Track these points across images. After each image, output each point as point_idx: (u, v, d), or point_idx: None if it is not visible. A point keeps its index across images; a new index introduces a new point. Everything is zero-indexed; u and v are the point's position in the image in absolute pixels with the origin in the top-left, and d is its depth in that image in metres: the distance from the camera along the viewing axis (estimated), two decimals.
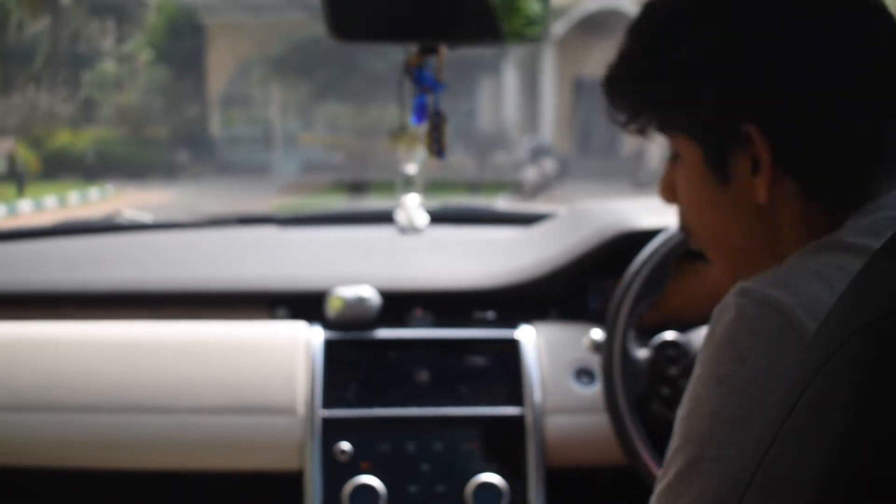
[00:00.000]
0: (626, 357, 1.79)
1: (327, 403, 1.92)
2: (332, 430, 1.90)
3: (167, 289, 2.12)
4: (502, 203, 3.18)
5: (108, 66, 18.95)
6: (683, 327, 1.92)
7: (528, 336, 2.02)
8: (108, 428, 1.89)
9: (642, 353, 1.82)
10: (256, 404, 1.90)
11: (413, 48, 1.64)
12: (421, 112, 1.69)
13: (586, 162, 19.81)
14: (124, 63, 19.16)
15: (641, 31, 1.20)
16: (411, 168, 2.58)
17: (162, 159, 17.91)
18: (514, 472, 1.90)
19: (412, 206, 2.45)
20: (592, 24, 19.45)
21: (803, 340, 0.97)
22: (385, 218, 2.48)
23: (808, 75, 1.09)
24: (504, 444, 1.92)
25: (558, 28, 19.81)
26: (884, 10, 1.14)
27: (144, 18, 19.76)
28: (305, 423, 1.89)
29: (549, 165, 18.10)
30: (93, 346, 1.97)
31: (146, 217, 2.58)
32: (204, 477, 1.91)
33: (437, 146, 1.70)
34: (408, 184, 2.59)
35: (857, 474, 0.67)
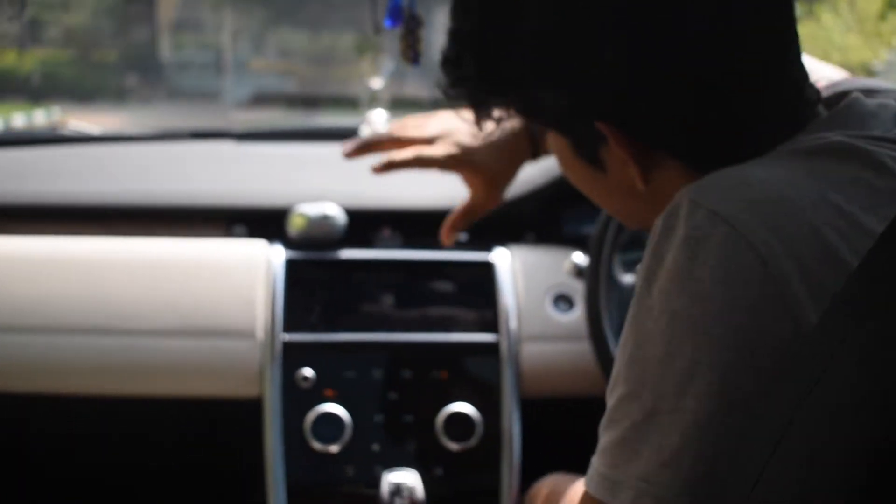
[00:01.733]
0: (612, 282, 1.67)
1: (288, 327, 1.79)
2: (294, 355, 1.77)
3: (116, 202, 1.98)
4: None
5: None
6: None
7: (504, 259, 1.90)
8: (52, 350, 1.75)
9: (628, 279, 1.70)
10: (213, 327, 1.77)
11: None
12: (396, 14, 1.55)
13: None
14: None
15: (465, 26, 1.07)
16: (377, 83, 2.45)
17: (110, 83, 17.51)
18: (487, 402, 1.78)
19: (379, 122, 2.31)
20: None
21: (771, 275, 0.85)
22: (349, 135, 2.34)
23: (658, 52, 0.97)
24: (477, 372, 1.81)
25: None
26: None
27: None
28: (265, 347, 1.77)
29: None
30: (35, 263, 1.83)
31: (93, 129, 2.43)
32: (156, 403, 1.78)
33: (412, 52, 1.57)
34: (373, 99, 2.46)
35: None
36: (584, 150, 1.05)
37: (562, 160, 1.11)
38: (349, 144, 1.74)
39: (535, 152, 1.68)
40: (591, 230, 1.97)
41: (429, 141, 1.69)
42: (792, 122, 1.00)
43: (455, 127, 1.68)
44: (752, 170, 0.93)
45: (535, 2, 1.00)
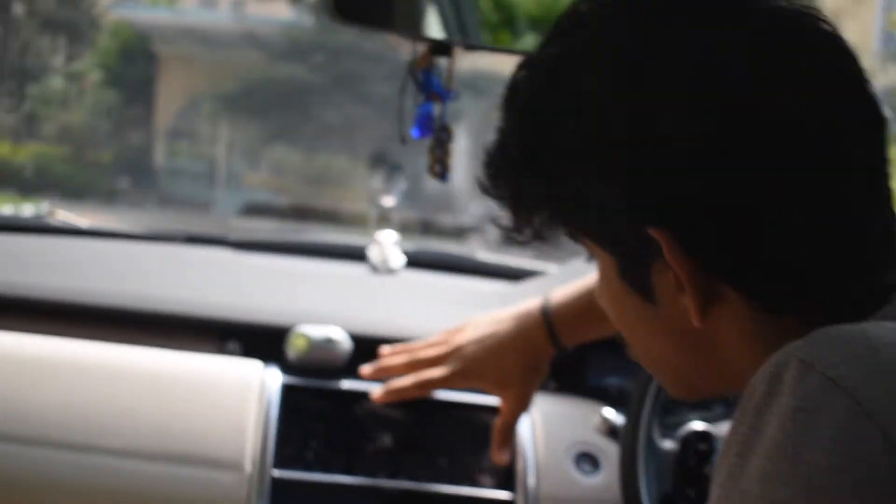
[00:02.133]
0: (651, 447, 1.47)
1: (281, 462, 1.59)
2: (285, 494, 1.57)
3: (99, 303, 1.78)
4: (486, 254, 2.91)
5: (56, 82, 18.51)
6: (709, 415, 1.63)
7: None
8: (11, 462, 1.54)
9: (667, 445, 1.50)
10: (195, 454, 1.56)
11: (421, 46, 1.36)
12: (425, 123, 1.39)
13: None
14: (72, 81, 18.73)
15: (512, 107, 0.92)
16: (388, 200, 2.29)
17: (102, 183, 17.45)
18: None
19: (388, 244, 2.14)
20: None
21: None
22: (355, 254, 2.17)
23: (738, 155, 0.80)
24: None
25: None
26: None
27: (97, 40, 19.34)
28: (253, 483, 1.56)
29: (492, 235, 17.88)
30: (1, 360, 1.62)
31: (81, 222, 2.25)
32: None
33: (440, 167, 1.41)
34: (383, 219, 2.30)
35: None
36: (633, 272, 0.87)
37: (605, 288, 0.94)
38: (367, 369, 1.63)
39: (557, 345, 1.55)
40: (617, 383, 1.80)
41: (436, 360, 1.59)
42: (888, 272, 0.83)
43: (466, 340, 1.57)
44: (873, 330, 0.75)
45: (593, 75, 0.84)
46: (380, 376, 1.63)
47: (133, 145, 20.56)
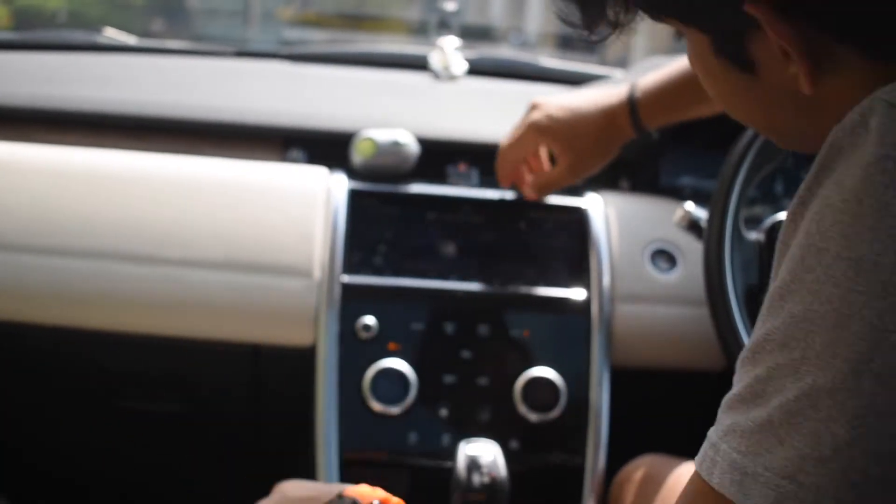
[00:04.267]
0: (737, 239, 1.42)
1: (350, 268, 1.55)
2: (355, 299, 1.54)
3: (158, 114, 1.73)
4: (549, 60, 2.81)
5: None
6: None
7: (597, 206, 1.65)
8: (79, 276, 1.52)
9: (752, 236, 1.45)
10: (263, 262, 1.53)
11: None
12: None
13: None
14: None
15: None
16: (451, 5, 2.21)
17: (136, 26, 17.26)
18: (573, 368, 1.55)
19: (450, 50, 2.07)
20: None
21: None
22: (416, 63, 2.11)
23: None
24: (563, 333, 1.57)
25: None
26: None
27: None
28: (322, 289, 1.53)
29: None
30: (65, 175, 1.59)
31: (130, 39, 2.19)
32: (193, 346, 1.54)
33: None
34: (444, 25, 2.22)
35: None
36: (729, 45, 0.79)
37: (699, 64, 0.84)
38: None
39: (638, 126, 1.51)
40: (691, 182, 1.75)
41: None
42: None
43: (549, 101, 1.55)
44: None
45: None
46: None
47: None
